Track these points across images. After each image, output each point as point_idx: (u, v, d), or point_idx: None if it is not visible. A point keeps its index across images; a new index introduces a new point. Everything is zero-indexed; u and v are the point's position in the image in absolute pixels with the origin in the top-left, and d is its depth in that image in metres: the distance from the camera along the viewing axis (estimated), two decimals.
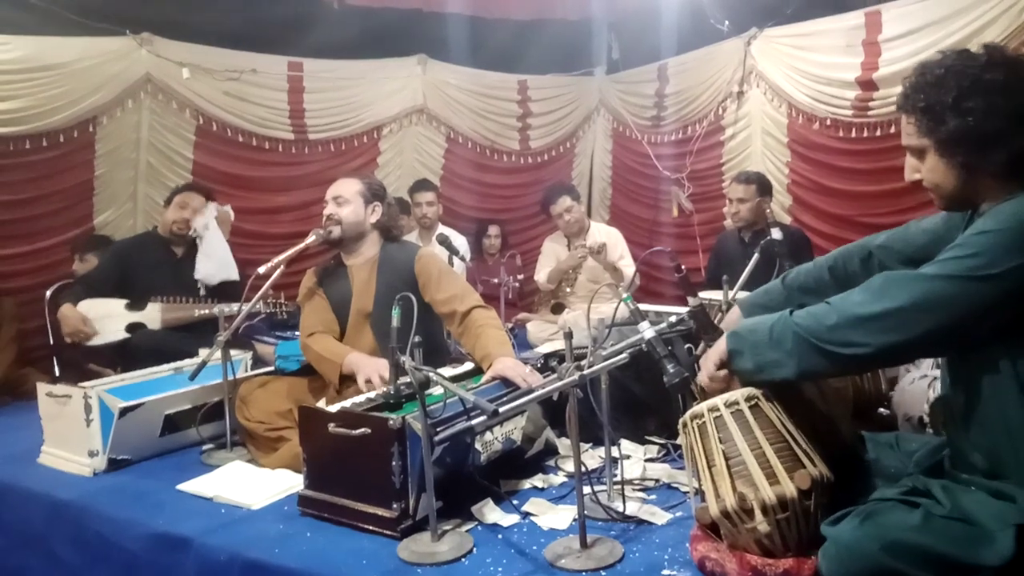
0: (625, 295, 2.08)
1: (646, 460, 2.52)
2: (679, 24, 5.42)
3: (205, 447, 2.86)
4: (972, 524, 1.41)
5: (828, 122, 4.76)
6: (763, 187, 4.19)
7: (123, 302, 3.71)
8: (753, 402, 1.73)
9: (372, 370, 2.59)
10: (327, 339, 2.86)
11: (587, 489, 2.05)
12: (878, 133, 4.52)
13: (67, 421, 2.70)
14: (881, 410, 2.58)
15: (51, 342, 4.15)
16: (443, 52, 5.68)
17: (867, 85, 4.46)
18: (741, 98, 5.29)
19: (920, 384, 2.43)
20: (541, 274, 5.00)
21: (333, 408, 2.25)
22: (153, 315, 3.70)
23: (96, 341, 3.63)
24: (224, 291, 3.85)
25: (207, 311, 3.67)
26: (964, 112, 1.51)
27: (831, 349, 1.57)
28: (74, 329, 3.58)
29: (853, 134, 4.64)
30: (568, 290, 4.93)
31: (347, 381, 2.72)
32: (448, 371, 2.66)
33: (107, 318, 3.64)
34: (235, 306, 3.47)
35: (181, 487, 2.46)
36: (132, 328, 3.65)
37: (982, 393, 1.53)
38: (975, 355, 1.54)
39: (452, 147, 5.92)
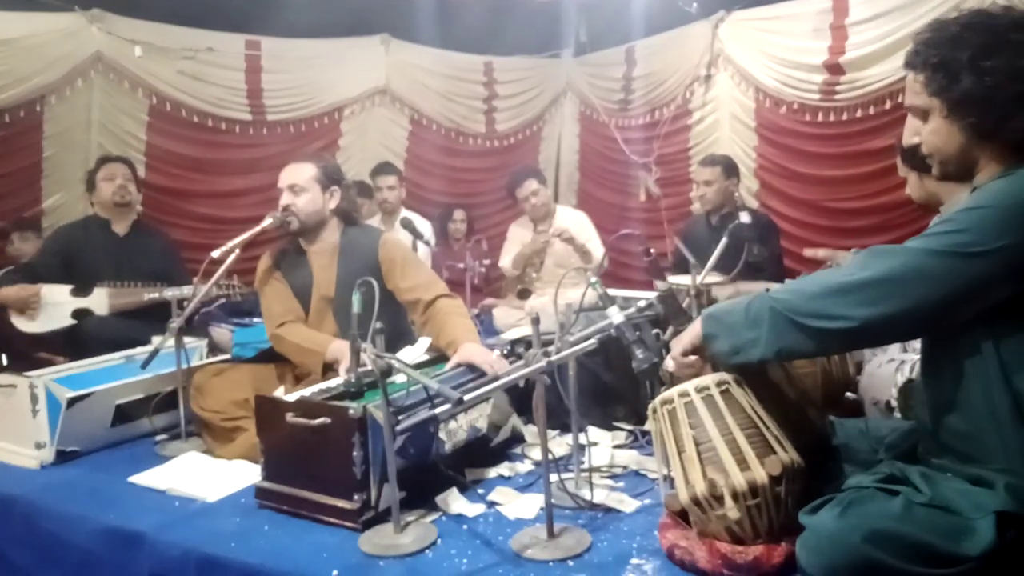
0: (593, 280, 2.03)
1: (614, 447, 2.50)
2: (647, 6, 5.38)
3: (159, 438, 2.77)
4: (952, 513, 1.38)
5: (795, 106, 4.77)
6: (729, 169, 4.18)
7: (67, 288, 3.58)
8: (724, 387, 1.70)
9: None
10: (301, 328, 2.78)
11: (554, 477, 2.01)
12: (845, 117, 4.54)
13: (12, 412, 2.60)
14: (849, 395, 2.57)
15: None
16: (407, 32, 5.59)
17: (834, 69, 4.47)
18: (709, 82, 5.28)
19: (888, 368, 2.42)
20: (505, 259, 4.94)
21: (291, 397, 2.18)
22: (100, 300, 3.57)
23: (41, 328, 3.50)
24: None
25: (157, 295, 3.56)
26: (982, 71, 1.42)
27: (809, 324, 1.52)
28: (20, 301, 3.45)
29: (820, 118, 4.66)
30: (534, 275, 4.89)
31: (328, 370, 2.64)
32: (410, 355, 2.60)
33: (52, 305, 3.51)
34: (186, 289, 3.38)
35: (133, 480, 2.38)
36: (78, 314, 3.52)
37: (964, 377, 1.49)
38: (957, 337, 1.50)
39: (416, 130, 5.84)
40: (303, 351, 2.70)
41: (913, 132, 1.58)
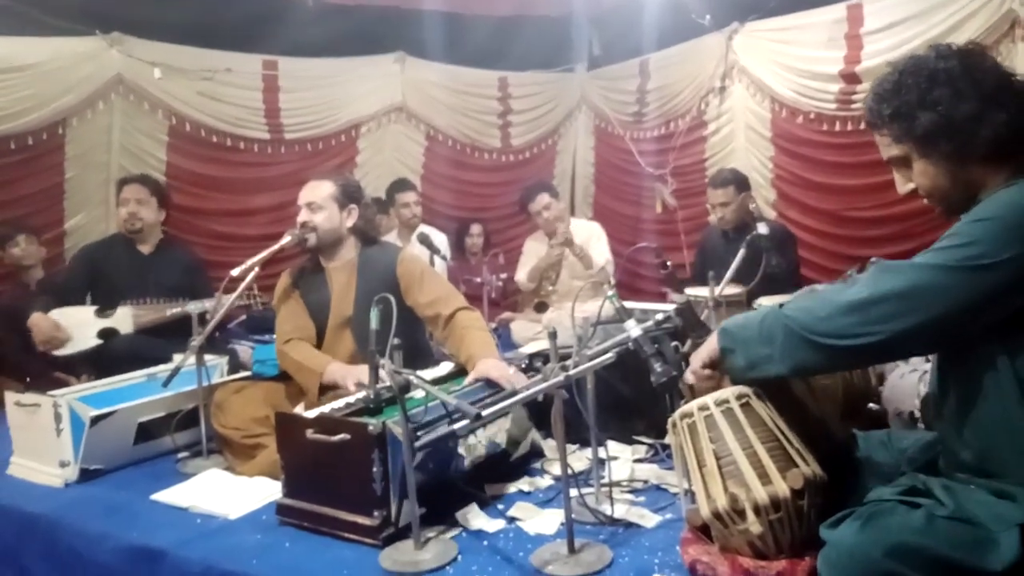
0: (610, 293, 2.03)
1: (634, 461, 2.48)
2: (660, 19, 5.39)
3: (180, 455, 2.78)
4: (975, 525, 1.36)
5: (811, 116, 4.74)
6: (741, 184, 4.13)
7: (92, 309, 3.61)
8: (744, 400, 1.69)
9: (352, 376, 2.54)
10: (305, 347, 2.79)
11: (574, 492, 2.00)
12: (862, 126, 4.48)
13: (37, 431, 2.63)
14: (871, 405, 2.54)
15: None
16: (422, 49, 5.63)
17: (850, 78, 4.44)
18: (723, 93, 5.27)
19: (910, 378, 2.40)
20: (521, 273, 4.95)
21: (311, 414, 2.19)
22: (124, 319, 3.60)
23: (68, 350, 3.52)
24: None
25: (179, 310, 3.58)
26: (932, 104, 1.49)
27: (822, 341, 1.52)
28: (47, 336, 3.47)
29: (837, 128, 4.63)
30: (550, 288, 4.89)
31: (326, 391, 2.65)
32: (429, 373, 2.60)
33: (78, 326, 3.54)
34: (207, 303, 3.39)
35: (155, 497, 2.40)
36: (104, 334, 3.56)
37: (979, 391, 1.48)
38: (971, 352, 1.49)
39: (432, 145, 5.87)
40: (301, 369, 2.72)
41: (904, 181, 1.62)
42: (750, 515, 1.59)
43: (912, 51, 1.62)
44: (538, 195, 4.76)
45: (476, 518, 2.09)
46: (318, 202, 2.82)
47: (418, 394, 2.11)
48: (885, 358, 2.09)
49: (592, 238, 4.78)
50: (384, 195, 5.05)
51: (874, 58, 4.30)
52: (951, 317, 1.43)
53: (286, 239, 2.82)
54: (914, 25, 4.15)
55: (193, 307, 3.48)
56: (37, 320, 3.49)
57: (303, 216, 2.83)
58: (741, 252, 2.95)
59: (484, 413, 1.76)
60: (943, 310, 1.43)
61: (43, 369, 3.66)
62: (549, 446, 2.58)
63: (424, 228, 4.83)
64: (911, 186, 1.60)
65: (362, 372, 2.54)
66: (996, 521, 1.36)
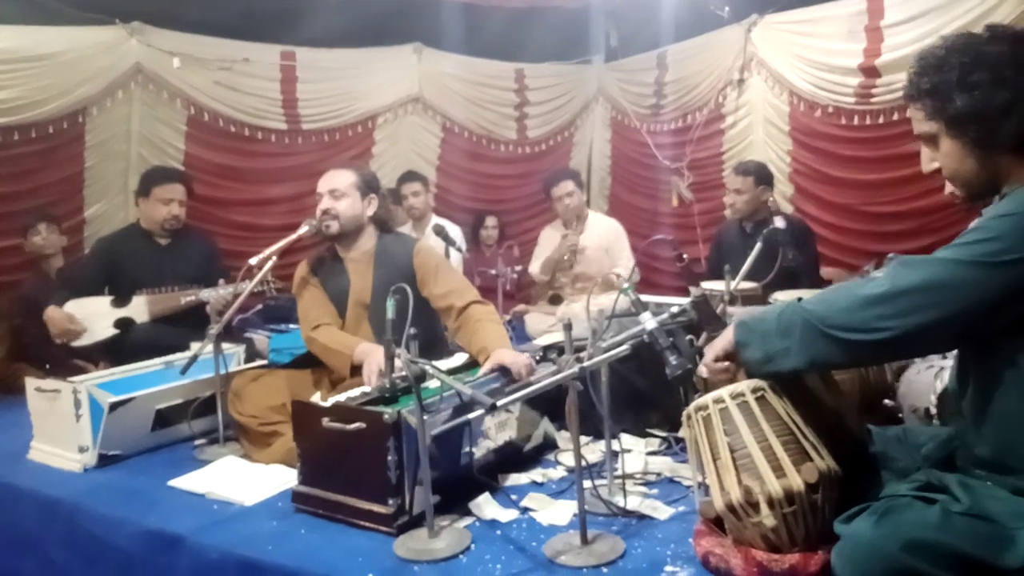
0: (626, 285, 2.03)
1: (647, 453, 2.48)
2: (678, 11, 5.36)
3: (197, 442, 2.81)
4: (992, 522, 1.35)
5: (830, 109, 4.70)
6: (762, 178, 4.11)
7: (108, 299, 3.64)
8: (759, 394, 1.68)
9: (376, 366, 2.53)
10: (333, 330, 2.81)
11: (587, 483, 2.01)
12: (881, 120, 4.46)
13: (57, 416, 2.66)
14: (887, 401, 2.53)
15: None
16: (439, 40, 5.63)
17: (870, 72, 4.40)
18: (742, 86, 5.23)
19: (927, 374, 2.38)
20: (534, 264, 4.94)
21: (327, 402, 2.20)
22: (140, 308, 3.62)
23: (84, 341, 3.55)
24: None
25: (193, 297, 3.59)
26: (970, 87, 1.46)
27: (841, 335, 1.51)
28: (62, 330, 3.51)
29: (856, 121, 4.59)
30: (564, 280, 4.88)
31: (358, 371, 2.65)
32: (445, 363, 2.61)
33: (94, 316, 3.57)
34: (220, 290, 3.41)
35: (173, 483, 2.42)
36: (120, 324, 3.58)
37: (999, 388, 1.47)
38: (991, 348, 1.47)
39: (448, 137, 5.87)
40: (331, 352, 2.73)
41: (929, 159, 1.60)
42: (764, 508, 1.59)
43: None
44: (563, 181, 4.75)
45: (490, 508, 2.10)
46: (341, 189, 2.84)
47: (433, 384, 2.12)
48: (904, 353, 2.08)
49: (616, 241, 4.76)
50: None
51: (894, 51, 4.26)
52: (971, 312, 1.42)
53: (303, 229, 2.84)
54: (935, 18, 4.10)
55: (206, 294, 3.50)
56: (52, 314, 3.52)
57: (326, 203, 2.84)
58: (757, 247, 2.94)
59: (499, 403, 1.77)
60: (963, 305, 1.42)
61: (62, 356, 3.70)
62: (563, 437, 2.58)
63: (439, 220, 4.84)
64: (936, 165, 1.58)
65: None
66: (1014, 518, 1.35)
